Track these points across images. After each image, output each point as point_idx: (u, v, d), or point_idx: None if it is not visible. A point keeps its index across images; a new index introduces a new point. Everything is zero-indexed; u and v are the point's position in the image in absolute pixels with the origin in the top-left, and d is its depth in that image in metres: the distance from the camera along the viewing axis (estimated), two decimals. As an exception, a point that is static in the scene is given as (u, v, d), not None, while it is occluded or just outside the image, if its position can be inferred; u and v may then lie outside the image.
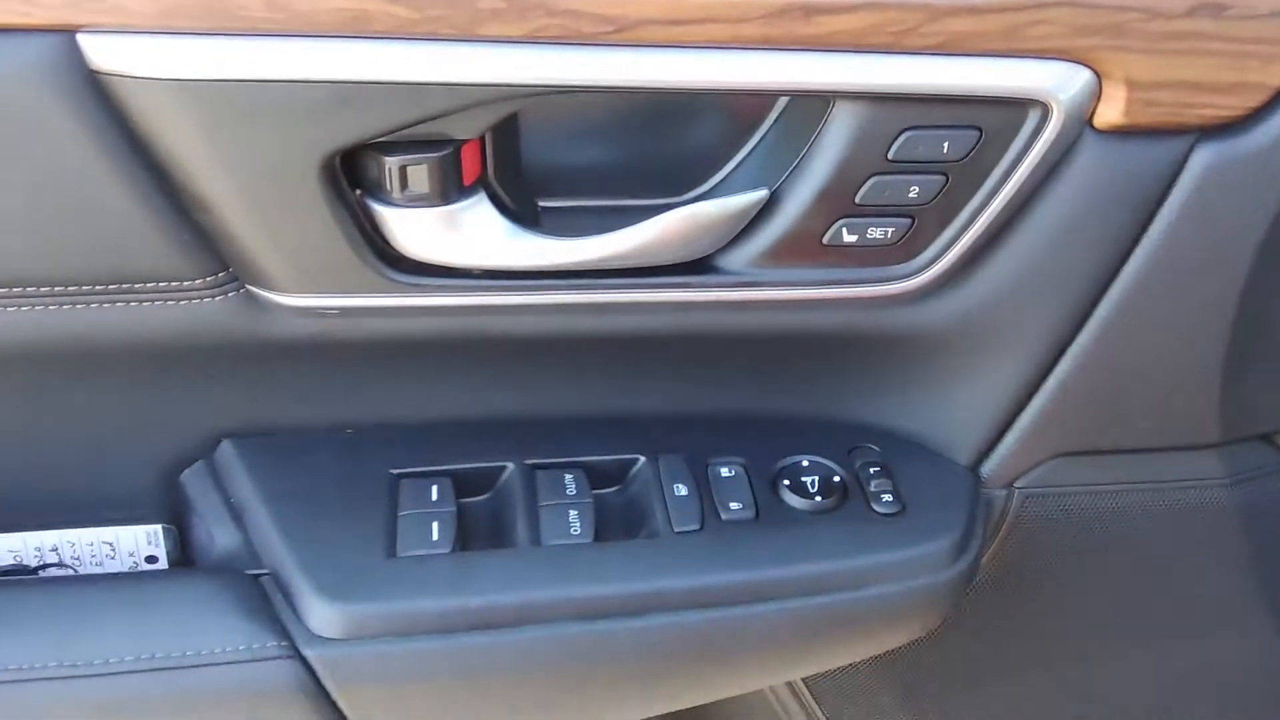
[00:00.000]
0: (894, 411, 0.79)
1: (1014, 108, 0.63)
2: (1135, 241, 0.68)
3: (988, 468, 0.78)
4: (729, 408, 0.79)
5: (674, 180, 0.69)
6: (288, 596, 0.66)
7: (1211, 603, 0.89)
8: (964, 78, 0.61)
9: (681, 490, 0.72)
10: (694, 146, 0.69)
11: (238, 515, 0.71)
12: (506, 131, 0.65)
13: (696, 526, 0.70)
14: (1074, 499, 0.80)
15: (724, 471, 0.74)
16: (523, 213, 0.66)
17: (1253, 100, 0.64)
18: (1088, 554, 0.83)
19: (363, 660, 0.64)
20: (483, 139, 0.63)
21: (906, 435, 0.79)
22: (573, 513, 0.70)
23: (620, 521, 0.73)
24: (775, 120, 0.67)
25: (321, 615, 0.64)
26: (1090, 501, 0.80)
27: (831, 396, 0.79)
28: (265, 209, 0.60)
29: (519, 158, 0.67)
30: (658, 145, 0.70)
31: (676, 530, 0.70)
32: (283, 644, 0.64)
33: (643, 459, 0.75)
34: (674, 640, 0.68)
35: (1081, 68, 0.62)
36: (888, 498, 0.74)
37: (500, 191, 0.65)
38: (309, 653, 0.64)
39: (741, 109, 0.68)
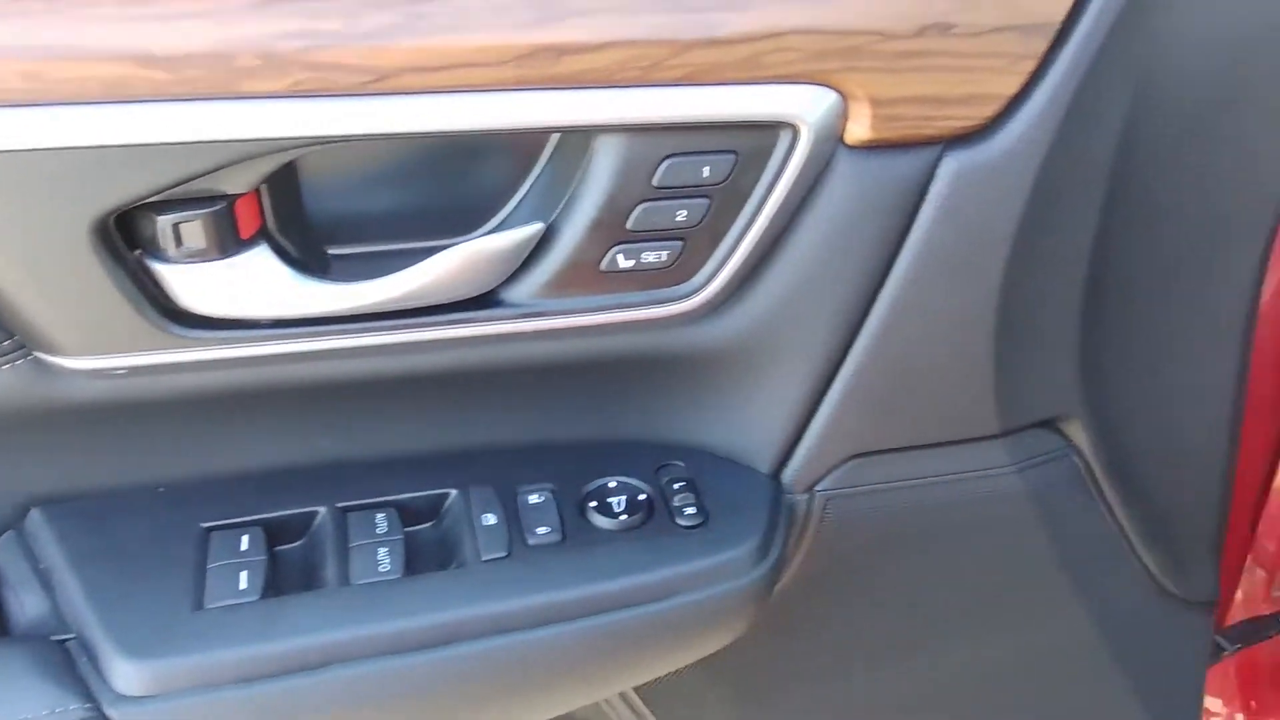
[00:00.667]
0: (696, 427, 0.82)
1: (766, 131, 0.67)
2: (898, 248, 0.73)
3: (788, 474, 0.81)
4: (540, 436, 0.81)
5: (464, 219, 0.71)
6: (92, 658, 0.66)
7: (1012, 587, 0.93)
8: (715, 106, 0.64)
9: (490, 519, 0.74)
10: (481, 185, 0.72)
11: (47, 582, 0.71)
12: (285, 182, 0.66)
13: (503, 553, 0.72)
14: (874, 497, 0.83)
15: (532, 498, 0.76)
16: (310, 261, 0.68)
17: (989, 110, 0.69)
18: (893, 549, 0.87)
19: (168, 716, 0.65)
20: (259, 191, 0.64)
21: (712, 449, 0.82)
22: (382, 550, 0.71)
23: (434, 556, 0.74)
24: (550, 156, 0.70)
25: (125, 674, 0.64)
26: (890, 498, 0.84)
27: (636, 417, 0.82)
28: (42, 275, 0.61)
29: (302, 207, 0.69)
30: (447, 186, 0.72)
31: (484, 559, 0.72)
32: (86, 706, 0.64)
33: (454, 492, 0.76)
34: (485, 666, 0.70)
35: (826, 89, 0.66)
36: (691, 510, 0.77)
37: (284, 242, 0.66)
38: (113, 713, 0.64)
39: (522, 146, 0.71)
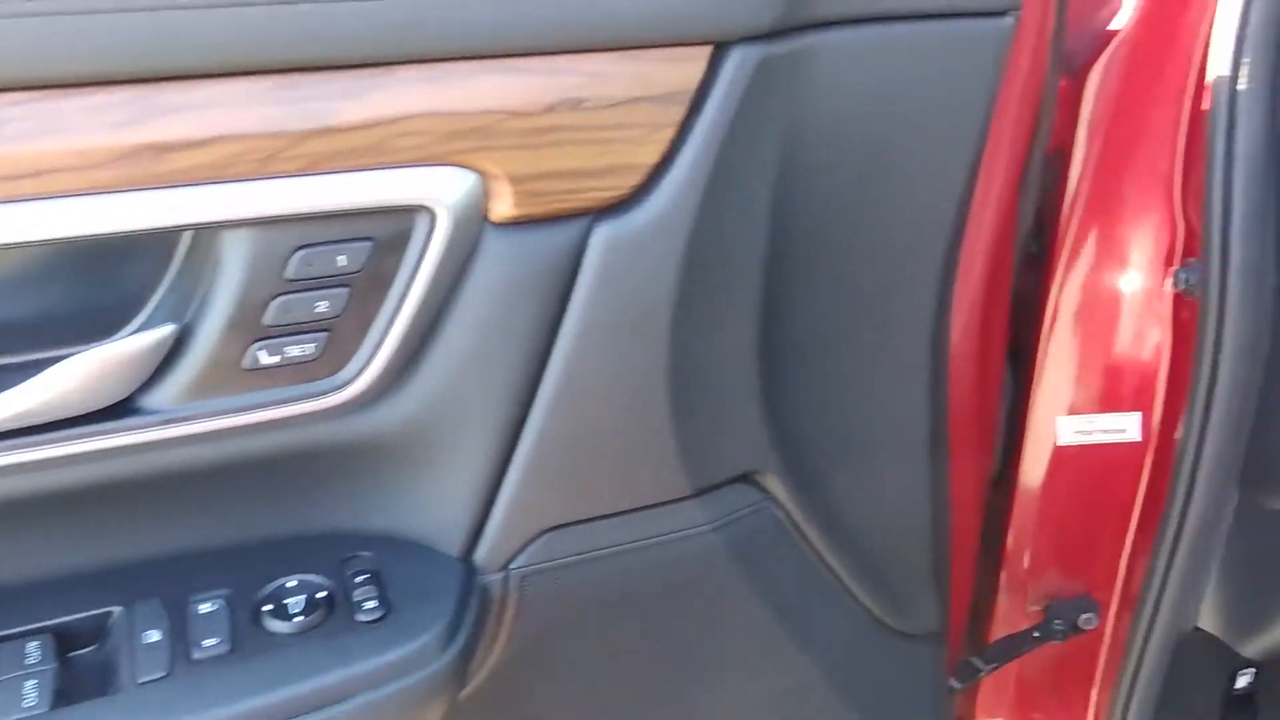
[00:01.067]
0: (382, 515, 0.79)
1: (402, 215, 0.66)
2: (559, 321, 0.72)
3: (480, 554, 0.80)
4: (219, 540, 0.78)
5: (101, 324, 0.67)
6: None
7: (731, 642, 0.93)
8: (344, 194, 0.63)
9: (152, 637, 0.70)
10: (119, 288, 0.68)
11: None
12: None
13: (163, 673, 0.68)
14: (574, 570, 0.82)
15: (203, 608, 0.72)
16: None
17: (633, 180, 0.70)
18: (601, 620, 0.86)
19: None
20: None
21: (401, 535, 0.80)
22: (29, 684, 0.66)
23: (95, 682, 0.69)
24: (184, 255, 0.67)
25: None
26: (590, 569, 0.83)
27: (318, 510, 0.79)
28: None
29: None
30: (82, 291, 0.68)
31: (140, 681, 0.67)
32: None
33: (119, 610, 0.72)
34: None
35: (463, 170, 0.65)
36: (371, 604, 0.74)
37: None
38: None
39: (157, 246, 0.68)
